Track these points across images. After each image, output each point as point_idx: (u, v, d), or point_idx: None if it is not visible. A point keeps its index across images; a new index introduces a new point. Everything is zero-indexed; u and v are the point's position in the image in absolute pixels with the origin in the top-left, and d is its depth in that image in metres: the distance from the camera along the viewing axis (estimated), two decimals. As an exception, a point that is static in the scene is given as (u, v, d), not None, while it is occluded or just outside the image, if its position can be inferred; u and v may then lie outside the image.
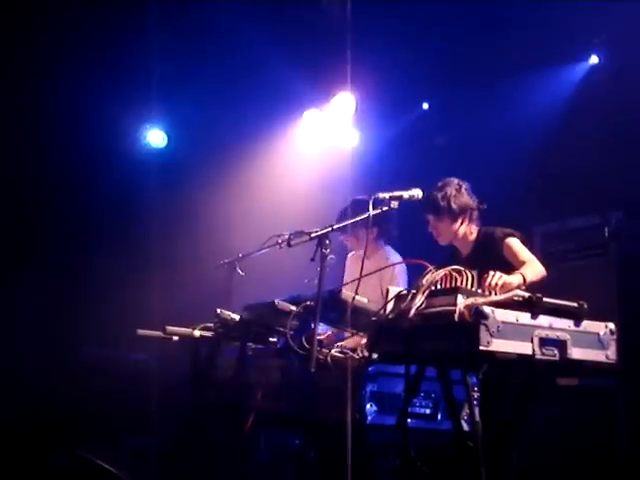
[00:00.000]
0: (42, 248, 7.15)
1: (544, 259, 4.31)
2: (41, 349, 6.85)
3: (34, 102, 6.88)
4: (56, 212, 7.21)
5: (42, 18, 6.49)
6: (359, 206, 5.00)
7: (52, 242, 7.22)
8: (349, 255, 5.46)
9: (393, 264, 5.06)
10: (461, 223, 4.52)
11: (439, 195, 4.49)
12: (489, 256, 4.32)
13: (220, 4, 6.73)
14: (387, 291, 3.51)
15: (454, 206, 4.48)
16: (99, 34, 6.72)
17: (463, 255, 4.58)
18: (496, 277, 3.58)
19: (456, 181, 4.56)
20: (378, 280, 4.93)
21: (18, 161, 6.97)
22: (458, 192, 4.51)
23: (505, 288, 3.56)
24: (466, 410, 3.60)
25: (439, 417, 3.90)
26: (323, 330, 4.24)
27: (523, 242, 4.35)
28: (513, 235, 4.36)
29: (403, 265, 5.10)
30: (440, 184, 4.55)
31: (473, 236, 4.55)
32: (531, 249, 4.37)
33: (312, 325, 3.69)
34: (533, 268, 4.10)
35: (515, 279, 3.79)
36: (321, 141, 7.93)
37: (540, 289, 3.49)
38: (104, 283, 7.04)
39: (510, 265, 4.18)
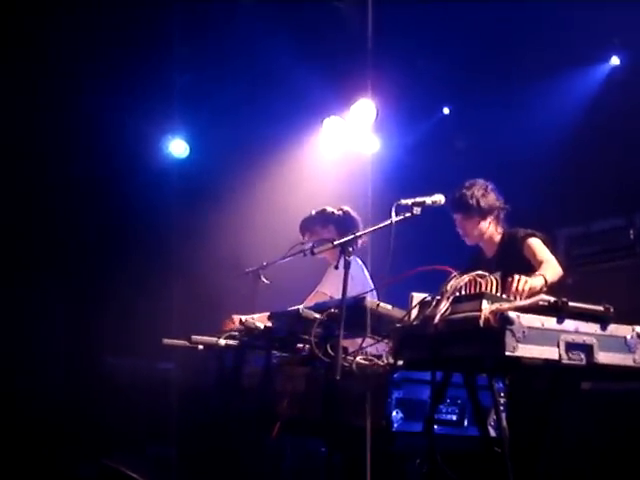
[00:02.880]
0: (66, 258, 7.20)
1: (568, 262, 4.31)
2: (66, 360, 6.90)
3: (58, 114, 6.93)
4: (80, 222, 7.26)
5: (62, 32, 6.54)
6: (323, 216, 5.05)
7: (76, 252, 7.27)
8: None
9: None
10: (489, 223, 4.56)
11: (468, 194, 4.55)
12: (512, 257, 4.36)
13: (241, 14, 6.77)
14: (411, 297, 3.51)
15: (483, 205, 4.54)
16: (122, 46, 6.78)
17: (488, 256, 4.61)
18: (522, 282, 3.58)
19: (482, 181, 4.61)
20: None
21: (42, 172, 7.03)
22: (486, 192, 4.58)
23: (530, 292, 3.56)
24: (493, 416, 3.59)
25: (465, 423, 3.89)
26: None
27: (545, 243, 4.36)
28: (535, 235, 4.40)
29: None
30: (467, 184, 4.61)
31: (498, 237, 4.59)
32: (554, 252, 4.37)
33: (337, 332, 3.69)
34: (552, 269, 4.12)
35: (538, 282, 3.80)
36: (342, 148, 7.93)
37: (562, 291, 3.48)
38: (128, 292, 7.07)
39: (532, 265, 4.20)
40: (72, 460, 6.06)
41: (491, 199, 4.58)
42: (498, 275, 4.27)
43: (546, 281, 3.88)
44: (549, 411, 3.48)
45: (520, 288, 3.55)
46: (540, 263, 4.18)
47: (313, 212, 5.30)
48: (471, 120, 7.42)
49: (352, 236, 3.91)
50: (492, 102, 7.07)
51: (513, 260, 4.34)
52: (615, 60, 6.76)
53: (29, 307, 6.93)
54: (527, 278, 3.63)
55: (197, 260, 7.39)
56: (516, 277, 3.59)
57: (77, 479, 5.87)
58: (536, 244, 4.35)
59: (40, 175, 7.02)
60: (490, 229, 4.59)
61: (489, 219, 4.58)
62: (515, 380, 3.72)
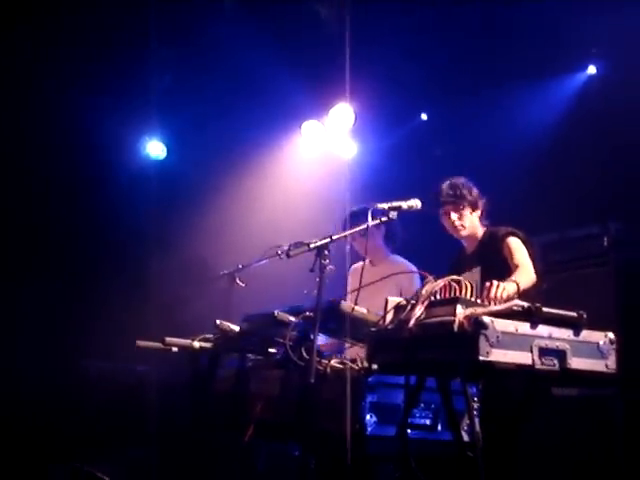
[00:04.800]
0: (41, 261, 7.14)
1: (543, 268, 4.32)
2: (41, 362, 6.84)
3: (37, 114, 6.88)
4: (57, 223, 7.21)
5: (41, 33, 6.50)
6: (361, 216, 5.08)
7: (51, 255, 7.21)
8: (352, 267, 5.47)
9: (409, 272, 5.11)
10: (477, 216, 4.60)
11: (458, 183, 4.58)
12: (492, 254, 4.39)
13: (219, 17, 6.76)
14: (386, 301, 3.51)
15: (474, 195, 4.59)
16: (99, 47, 6.74)
17: (468, 252, 4.62)
18: (500, 289, 3.57)
19: (464, 179, 4.63)
20: (396, 288, 4.95)
21: (20, 172, 6.97)
22: (470, 185, 4.61)
23: (505, 299, 3.56)
24: (466, 420, 3.60)
25: (439, 428, 3.90)
26: (324, 341, 4.25)
27: (525, 244, 4.37)
28: (515, 234, 4.40)
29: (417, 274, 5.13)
30: (451, 179, 4.63)
31: (480, 234, 4.59)
32: (533, 254, 4.38)
33: (311, 336, 3.69)
34: (525, 275, 4.12)
35: (511, 288, 3.78)
36: (319, 152, 7.94)
37: (537, 297, 3.50)
38: (104, 296, 7.02)
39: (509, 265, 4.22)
40: (44, 463, 6.01)
41: (476, 192, 4.62)
42: (478, 270, 4.30)
43: (518, 288, 3.86)
44: (522, 416, 3.50)
45: (499, 295, 3.54)
46: (515, 267, 4.19)
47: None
48: (448, 126, 7.44)
49: (328, 239, 3.90)
50: (469, 109, 7.10)
51: (492, 258, 4.36)
52: (592, 69, 6.80)
53: (4, 308, 6.87)
54: (504, 284, 3.63)
55: (173, 261, 7.36)
56: (494, 283, 3.59)
57: (48, 482, 5.82)
58: (514, 245, 4.35)
59: (17, 175, 6.97)
60: (476, 223, 4.61)
61: (477, 212, 4.61)
62: (488, 385, 3.73)
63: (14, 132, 6.87)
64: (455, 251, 4.79)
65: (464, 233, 4.61)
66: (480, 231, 4.63)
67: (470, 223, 4.59)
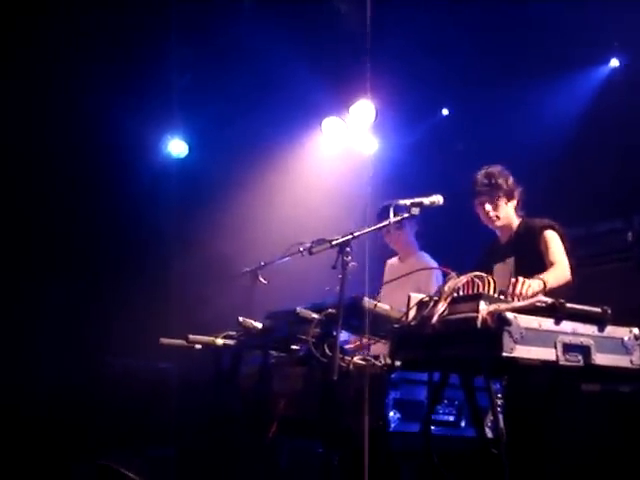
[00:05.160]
0: (64, 260, 7.18)
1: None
2: (64, 360, 6.89)
3: (59, 113, 6.92)
4: (79, 221, 7.25)
5: (63, 34, 6.54)
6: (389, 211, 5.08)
7: (74, 254, 7.26)
8: (389, 262, 5.50)
9: (430, 268, 5.10)
10: (512, 207, 4.53)
11: (494, 172, 4.49)
12: (528, 246, 4.32)
13: (239, 15, 6.77)
14: (409, 298, 3.50)
15: (510, 184, 4.50)
16: (120, 47, 6.78)
17: (502, 242, 4.57)
18: (525, 285, 3.55)
19: (500, 167, 4.56)
20: (416, 284, 4.93)
21: (43, 172, 7.02)
22: (507, 174, 4.52)
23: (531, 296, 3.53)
24: (490, 417, 3.59)
25: (463, 424, 3.89)
26: (346, 338, 4.26)
27: (562, 237, 4.32)
28: (553, 228, 4.34)
29: (439, 271, 5.11)
30: (487, 167, 4.54)
31: (515, 224, 4.54)
32: (568, 248, 4.33)
33: (334, 332, 3.69)
34: (557, 273, 4.06)
35: (537, 285, 3.75)
36: (341, 149, 7.94)
37: (566, 293, 3.47)
38: (126, 295, 7.06)
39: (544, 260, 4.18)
40: (68, 461, 6.05)
41: (512, 181, 4.53)
42: (512, 261, 4.26)
43: (545, 286, 3.82)
44: (546, 412, 3.48)
45: (524, 291, 3.52)
46: (550, 264, 4.12)
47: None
48: (470, 121, 7.42)
49: (350, 236, 3.90)
50: (491, 104, 7.07)
51: (527, 249, 4.30)
52: (615, 62, 6.76)
53: (28, 307, 6.92)
54: (530, 281, 3.61)
55: (195, 260, 7.38)
56: (520, 279, 3.57)
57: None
58: (552, 240, 4.28)
59: (40, 175, 7.01)
60: (511, 213, 4.54)
61: (512, 202, 4.52)
62: (512, 381, 3.71)
63: (37, 133, 6.92)
64: (488, 240, 4.74)
65: (499, 224, 4.54)
66: (515, 221, 4.55)
67: (505, 214, 4.52)
